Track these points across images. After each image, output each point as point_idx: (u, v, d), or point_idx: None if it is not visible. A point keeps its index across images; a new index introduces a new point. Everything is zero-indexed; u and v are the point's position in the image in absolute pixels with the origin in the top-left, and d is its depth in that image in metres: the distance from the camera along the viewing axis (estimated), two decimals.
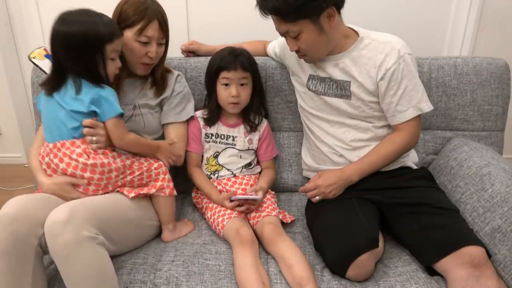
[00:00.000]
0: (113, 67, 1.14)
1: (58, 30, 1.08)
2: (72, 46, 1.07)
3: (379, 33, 1.28)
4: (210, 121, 1.41)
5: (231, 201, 1.28)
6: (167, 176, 1.25)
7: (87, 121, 1.10)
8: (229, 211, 1.27)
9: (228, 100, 1.34)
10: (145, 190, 1.21)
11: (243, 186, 1.38)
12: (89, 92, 1.10)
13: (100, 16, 1.11)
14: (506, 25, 2.05)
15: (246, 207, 1.29)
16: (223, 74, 1.33)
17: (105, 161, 1.12)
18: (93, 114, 1.11)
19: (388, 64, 1.21)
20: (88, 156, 1.11)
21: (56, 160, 1.12)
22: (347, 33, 1.27)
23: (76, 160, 1.10)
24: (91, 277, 0.95)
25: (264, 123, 1.46)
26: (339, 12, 1.21)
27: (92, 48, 1.08)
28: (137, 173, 1.19)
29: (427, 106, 1.25)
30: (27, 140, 2.44)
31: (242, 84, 1.34)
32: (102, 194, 1.14)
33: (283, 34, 1.23)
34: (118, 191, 1.17)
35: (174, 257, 1.16)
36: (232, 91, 1.32)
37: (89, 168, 1.10)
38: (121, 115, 1.13)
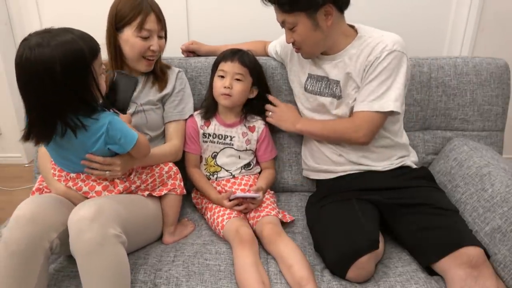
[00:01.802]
0: (103, 82, 1.02)
1: (37, 57, 0.88)
2: (58, 75, 0.89)
3: (380, 31, 1.27)
4: (207, 114, 1.41)
5: (230, 200, 1.28)
6: (179, 176, 1.28)
7: (100, 159, 1.05)
8: (228, 211, 1.27)
9: (220, 90, 1.34)
10: (157, 192, 1.23)
11: (242, 187, 1.37)
12: (97, 132, 1.00)
13: (71, 32, 0.95)
14: (506, 25, 2.05)
15: (245, 206, 1.29)
16: (220, 66, 1.36)
17: (127, 184, 1.14)
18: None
19: (371, 56, 1.21)
20: (114, 187, 1.12)
21: (73, 188, 1.11)
22: (347, 32, 1.27)
23: (99, 193, 1.10)
24: (110, 275, 0.95)
25: (263, 124, 1.45)
26: (341, 12, 1.21)
27: (82, 72, 0.94)
28: (150, 180, 1.21)
29: (379, 106, 1.20)
30: None
31: (237, 79, 1.34)
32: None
33: (280, 24, 1.24)
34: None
35: (174, 257, 1.17)
36: (225, 82, 1.33)
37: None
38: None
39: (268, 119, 1.42)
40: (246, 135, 1.42)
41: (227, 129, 1.41)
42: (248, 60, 1.36)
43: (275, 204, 1.37)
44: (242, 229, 1.19)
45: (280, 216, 1.29)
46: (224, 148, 1.41)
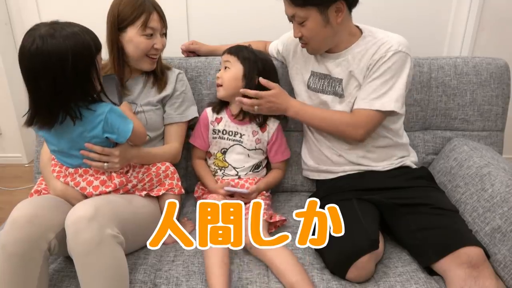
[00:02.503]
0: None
1: (49, 47, 0.91)
2: (68, 65, 0.92)
3: (385, 32, 1.27)
4: (217, 107, 1.42)
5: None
6: (176, 176, 1.28)
7: (98, 148, 1.07)
8: None
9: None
10: (155, 192, 1.23)
11: (241, 183, 1.37)
12: (94, 121, 1.02)
13: (77, 25, 0.99)
14: (506, 25, 2.05)
15: (236, 199, 1.29)
16: None
17: (124, 180, 1.14)
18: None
19: (375, 55, 1.21)
20: (111, 181, 1.12)
21: (71, 183, 1.11)
22: (354, 32, 1.28)
23: (96, 188, 1.10)
24: (107, 276, 0.95)
25: (275, 125, 1.43)
26: (350, 10, 1.22)
27: (88, 63, 0.98)
28: (146, 179, 1.22)
29: (380, 105, 1.21)
30: (27, 140, 2.44)
31: (226, 67, 1.37)
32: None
33: (289, 18, 1.23)
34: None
35: (174, 257, 1.17)
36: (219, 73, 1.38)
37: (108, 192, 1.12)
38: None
39: (255, 111, 1.30)
40: (256, 134, 1.41)
41: (238, 126, 1.41)
42: (238, 49, 1.37)
43: (269, 207, 1.33)
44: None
45: (265, 217, 1.26)
46: (233, 145, 1.40)
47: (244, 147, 1.40)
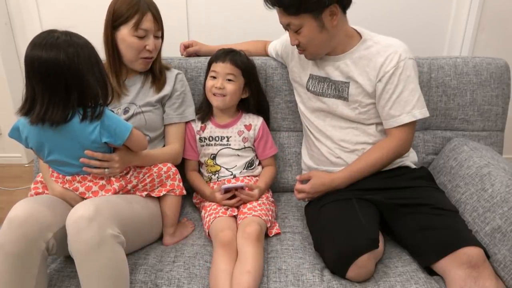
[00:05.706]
0: None
1: (84, 55, 0.98)
2: (87, 69, 0.99)
3: (383, 36, 1.28)
4: (203, 116, 1.42)
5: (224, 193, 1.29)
6: (178, 176, 1.28)
7: (99, 154, 1.07)
8: (217, 210, 1.28)
9: (212, 90, 1.35)
10: (156, 192, 1.23)
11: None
12: (90, 126, 1.02)
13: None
14: (506, 25, 2.05)
15: (237, 200, 1.29)
16: (212, 66, 1.36)
17: (123, 183, 1.14)
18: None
19: (388, 67, 1.21)
20: (110, 185, 1.12)
21: (70, 189, 1.11)
22: (351, 33, 1.27)
23: (96, 193, 1.10)
24: (108, 276, 0.95)
25: (260, 122, 1.44)
26: (344, 12, 1.22)
27: (99, 65, 1.03)
28: (148, 180, 1.21)
29: (420, 113, 1.23)
30: None
31: (229, 80, 1.34)
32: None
33: (285, 26, 1.23)
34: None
35: (175, 258, 1.17)
36: (216, 82, 1.33)
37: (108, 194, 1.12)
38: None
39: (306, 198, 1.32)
40: (242, 133, 1.41)
41: (223, 130, 1.41)
42: (240, 60, 1.35)
43: (270, 212, 1.32)
44: (224, 233, 1.17)
45: (268, 225, 1.27)
46: (221, 149, 1.41)
47: (232, 148, 1.41)
